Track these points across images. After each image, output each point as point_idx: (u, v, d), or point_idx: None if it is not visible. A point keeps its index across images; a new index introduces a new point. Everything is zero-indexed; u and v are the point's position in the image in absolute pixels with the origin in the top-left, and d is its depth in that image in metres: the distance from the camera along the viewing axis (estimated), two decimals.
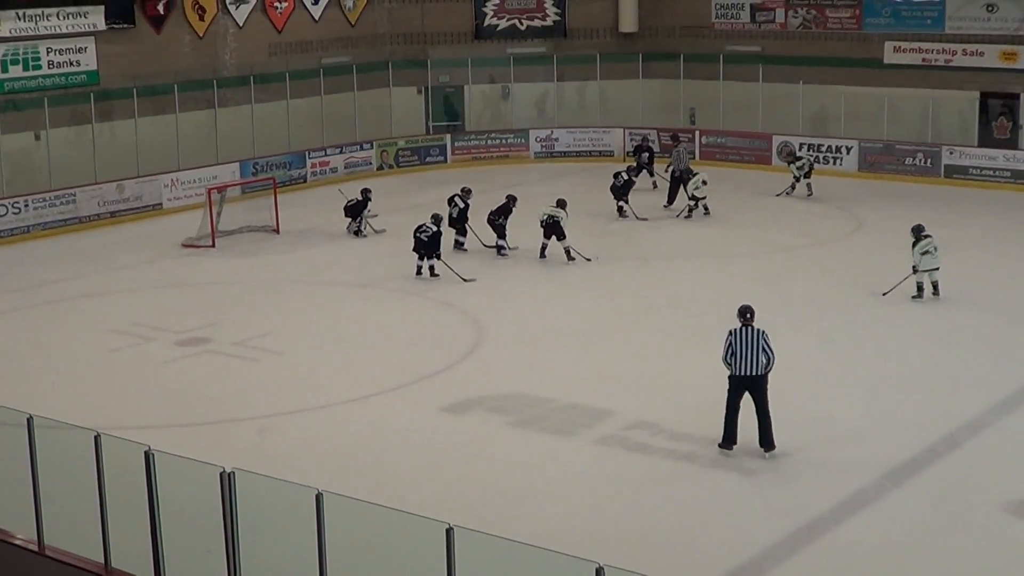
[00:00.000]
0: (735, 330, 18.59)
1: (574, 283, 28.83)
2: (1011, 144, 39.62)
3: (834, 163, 41.00)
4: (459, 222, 31.82)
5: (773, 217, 33.41)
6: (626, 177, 34.82)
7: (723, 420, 18.75)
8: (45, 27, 36.22)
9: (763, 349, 18.44)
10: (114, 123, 37.57)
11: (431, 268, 29.08)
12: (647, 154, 38.88)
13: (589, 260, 30.07)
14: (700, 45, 44.69)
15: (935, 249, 26.30)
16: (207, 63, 40.21)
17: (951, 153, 39.44)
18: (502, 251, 31.11)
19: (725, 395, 18.85)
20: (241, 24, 41.10)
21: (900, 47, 41.72)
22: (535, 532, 13.60)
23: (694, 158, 41.00)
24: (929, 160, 39.66)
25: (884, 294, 26.63)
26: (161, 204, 37.11)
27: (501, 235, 31.31)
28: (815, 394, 21.81)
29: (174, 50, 39.38)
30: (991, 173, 38.77)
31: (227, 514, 12.47)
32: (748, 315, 18.73)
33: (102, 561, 13.55)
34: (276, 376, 23.45)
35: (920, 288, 26.50)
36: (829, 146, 41.21)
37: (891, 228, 33.71)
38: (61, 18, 36.48)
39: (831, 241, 30.12)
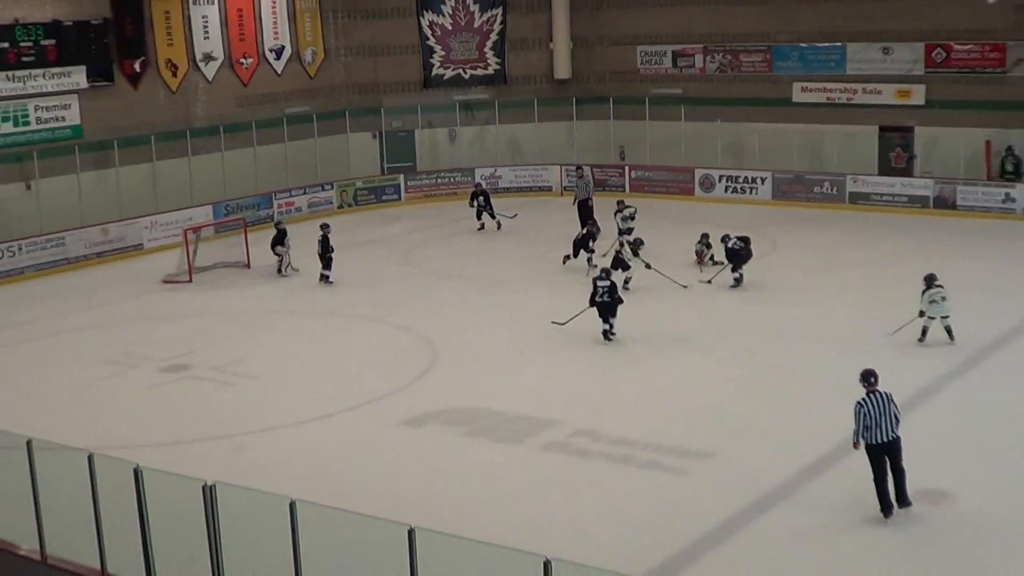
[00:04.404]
0: (865, 400, 16.79)
1: (520, 307, 28.92)
2: (907, 172, 39.99)
3: (750, 192, 41.32)
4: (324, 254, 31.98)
5: (693, 241, 33.51)
6: (583, 232, 32.81)
7: (875, 491, 16.85)
8: (32, 87, 36.11)
9: (894, 414, 16.74)
10: (98, 172, 37.41)
11: (611, 328, 25.78)
12: (482, 197, 38.34)
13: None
14: (628, 89, 44.95)
15: (943, 299, 24.41)
16: (180, 115, 40.14)
17: (854, 181, 39.75)
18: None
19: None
20: (210, 79, 41.06)
21: (807, 87, 42.10)
22: (489, 531, 13.73)
23: (601, 189, 41.07)
24: (835, 188, 40.00)
25: (892, 333, 24.92)
26: (142, 244, 37.01)
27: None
28: (738, 401, 22.02)
29: (150, 104, 39.29)
30: (890, 199, 39.11)
31: (210, 523, 12.53)
32: (872, 379, 16.90)
33: (99, 567, 13.58)
34: (250, 397, 23.47)
35: (924, 332, 24.60)
36: (745, 177, 41.51)
37: (802, 249, 34.13)
38: (47, 78, 36.38)
39: (751, 262, 30.32)
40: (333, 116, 43.81)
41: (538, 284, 30.64)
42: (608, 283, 25.75)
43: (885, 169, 40.48)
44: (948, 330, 24.57)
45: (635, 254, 29.84)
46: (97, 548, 13.58)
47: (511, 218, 37.72)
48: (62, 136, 37.01)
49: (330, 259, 31.87)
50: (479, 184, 40.11)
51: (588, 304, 25.89)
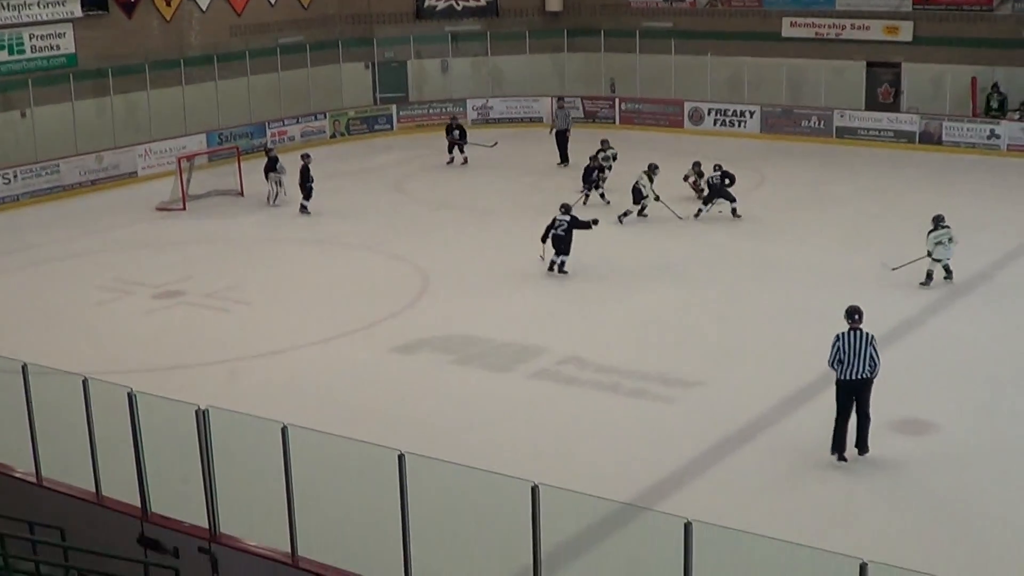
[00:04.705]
0: (843, 334, 16.36)
1: (508, 237, 28.87)
2: (894, 108, 39.94)
3: (739, 126, 41.20)
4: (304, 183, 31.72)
5: (684, 171, 33.34)
6: (588, 164, 32.01)
7: (832, 426, 16.51)
8: (27, 15, 35.80)
9: (870, 356, 16.22)
10: (92, 100, 37.19)
11: (562, 264, 25.47)
12: (457, 131, 37.65)
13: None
14: (619, 22, 44.65)
15: (949, 240, 23.78)
16: (174, 44, 39.85)
17: (842, 116, 39.66)
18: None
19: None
20: (204, 8, 40.73)
21: (796, 22, 41.89)
22: (478, 456, 13.72)
23: (591, 121, 40.93)
24: (822, 122, 39.90)
25: (893, 269, 24.25)
26: (136, 172, 36.83)
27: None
28: (725, 331, 22.06)
29: (144, 33, 38.99)
30: (877, 133, 39.05)
31: (202, 447, 12.53)
32: (856, 317, 16.45)
33: (94, 490, 13.61)
34: (244, 323, 23.47)
35: (930, 276, 23.99)
36: (734, 111, 41.37)
37: (790, 182, 34.08)
38: (42, 7, 36.06)
39: (739, 195, 30.33)
40: (326, 46, 43.47)
41: (527, 214, 30.49)
42: (568, 219, 25.49)
43: (872, 104, 40.37)
44: (947, 269, 24.18)
45: (651, 181, 29.71)
46: (92, 471, 13.59)
47: (491, 147, 37.33)
48: (57, 64, 36.76)
49: (310, 189, 31.67)
50: (455, 118, 39.45)
51: (541, 239, 25.58)
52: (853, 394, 16.35)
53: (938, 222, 24.03)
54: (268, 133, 40.36)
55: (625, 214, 29.52)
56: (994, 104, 38.10)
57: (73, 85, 36.17)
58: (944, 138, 37.92)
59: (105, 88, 37.10)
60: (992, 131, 37.29)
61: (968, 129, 37.68)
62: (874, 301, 23.16)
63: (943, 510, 15.39)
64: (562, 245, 25.43)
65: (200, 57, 40.03)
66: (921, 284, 24.05)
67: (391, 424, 17.63)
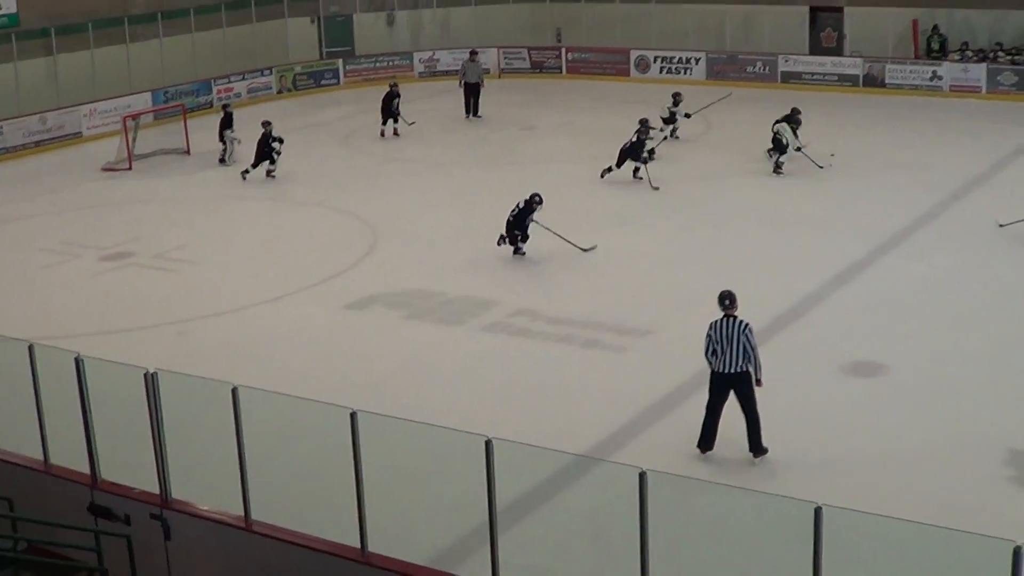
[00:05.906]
0: (716, 323, 14.91)
1: (457, 189, 28.64)
2: (837, 52, 39.94)
3: (685, 73, 41.02)
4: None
5: (633, 123, 33.19)
6: (634, 139, 28.54)
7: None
8: None
9: (743, 347, 14.71)
10: (35, 60, 36.64)
11: (502, 239, 23.52)
12: (397, 100, 35.28)
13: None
14: None
15: None
16: (118, 2, 39.31)
17: (786, 61, 39.64)
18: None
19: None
20: None
21: None
22: (431, 412, 13.61)
23: (538, 71, 41.00)
24: (767, 67, 39.83)
25: (1002, 225, 23.29)
26: (81, 132, 36.28)
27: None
28: (676, 275, 21.96)
29: None
30: (821, 77, 39.07)
31: (152, 411, 12.29)
32: (727, 302, 15.00)
33: (42, 458, 13.34)
34: (193, 284, 23.11)
35: None
36: (680, 58, 41.20)
37: (736, 128, 33.92)
38: None
39: (687, 141, 30.18)
40: (271, 1, 42.93)
41: (477, 166, 30.31)
42: (522, 203, 23.44)
43: (816, 49, 40.36)
44: None
45: (795, 134, 28.62)
46: (40, 439, 13.31)
47: (409, 124, 35.68)
48: None
49: (269, 153, 30.56)
50: (397, 84, 36.50)
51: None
52: (728, 389, 14.86)
53: None
54: (214, 90, 39.86)
55: (779, 165, 28.55)
56: (935, 46, 38.18)
57: (15, 45, 35.58)
58: (887, 81, 37.98)
59: (48, 48, 36.54)
60: (934, 72, 37.38)
61: (911, 71, 37.76)
62: (824, 243, 23.24)
63: (894, 452, 15.32)
64: (514, 228, 23.49)
65: (144, 15, 39.51)
66: None
67: (343, 382, 17.41)
